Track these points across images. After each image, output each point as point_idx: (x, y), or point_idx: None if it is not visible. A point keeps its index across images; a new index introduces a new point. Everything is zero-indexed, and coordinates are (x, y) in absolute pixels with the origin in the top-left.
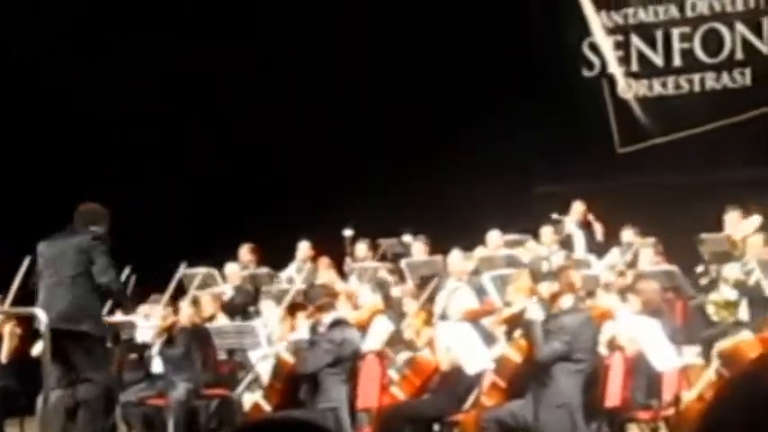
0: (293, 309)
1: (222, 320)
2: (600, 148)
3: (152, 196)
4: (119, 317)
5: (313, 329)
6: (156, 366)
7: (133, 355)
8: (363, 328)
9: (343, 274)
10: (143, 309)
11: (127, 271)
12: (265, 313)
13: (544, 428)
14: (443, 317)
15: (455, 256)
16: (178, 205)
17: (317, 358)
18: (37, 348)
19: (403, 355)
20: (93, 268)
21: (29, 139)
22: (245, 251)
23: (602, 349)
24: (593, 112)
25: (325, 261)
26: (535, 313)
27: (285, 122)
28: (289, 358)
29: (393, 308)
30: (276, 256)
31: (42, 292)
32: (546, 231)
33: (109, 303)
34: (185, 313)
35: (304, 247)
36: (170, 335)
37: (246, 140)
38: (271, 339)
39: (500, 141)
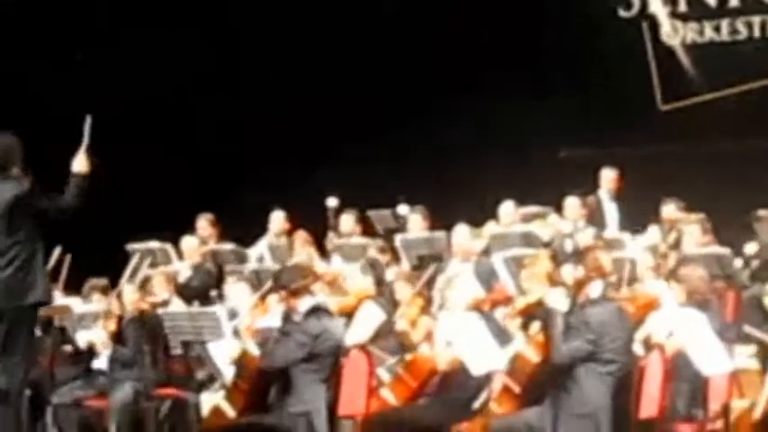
0: (266, 294)
1: (177, 306)
2: (637, 106)
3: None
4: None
5: (286, 318)
6: (99, 362)
7: (68, 347)
8: (349, 316)
9: (324, 252)
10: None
11: (57, 251)
12: (234, 299)
13: None
14: (444, 306)
15: (461, 232)
16: (125, 172)
17: (288, 352)
18: None
19: (395, 352)
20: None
21: None
22: (203, 223)
23: (638, 348)
24: (631, 61)
25: (302, 236)
26: (556, 303)
27: (259, 68)
28: (257, 353)
29: (385, 294)
30: (244, 231)
31: None
32: (571, 204)
33: None
34: (129, 299)
35: (278, 219)
36: (118, 332)
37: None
38: (238, 331)
39: (517, 96)
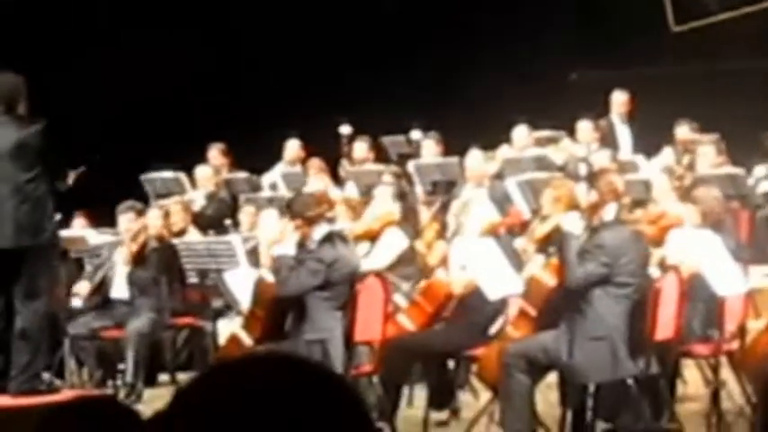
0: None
1: (193, 235)
2: (649, 26)
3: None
4: (66, 232)
5: (301, 245)
6: (117, 291)
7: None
8: (372, 239)
9: (337, 179)
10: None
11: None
12: (264, 226)
13: (579, 365)
14: (459, 231)
15: (474, 156)
16: (132, 98)
17: (301, 279)
18: None
19: (414, 279)
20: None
21: None
22: (214, 153)
23: (654, 270)
24: None
25: (315, 163)
26: (571, 227)
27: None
28: (272, 280)
29: (410, 223)
30: (257, 159)
31: None
32: (583, 127)
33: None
34: (154, 225)
35: (292, 147)
36: (139, 256)
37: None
38: (256, 255)
39: (526, 16)
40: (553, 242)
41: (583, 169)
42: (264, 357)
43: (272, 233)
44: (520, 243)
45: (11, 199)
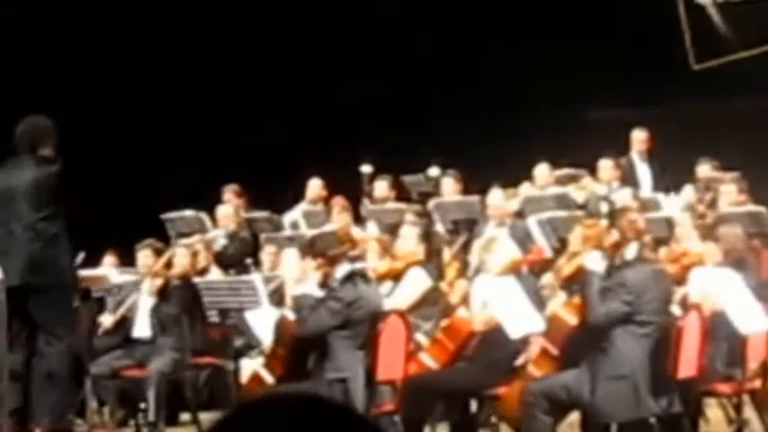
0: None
1: (215, 274)
2: (670, 65)
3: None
4: (89, 271)
5: (322, 285)
6: (138, 329)
7: (105, 317)
8: (396, 278)
9: (358, 218)
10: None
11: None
12: (285, 265)
13: (601, 404)
14: (481, 269)
15: (495, 194)
16: (152, 142)
17: (321, 319)
18: None
19: (433, 316)
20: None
21: None
22: (229, 195)
23: (676, 309)
24: (662, 19)
25: (339, 202)
26: (593, 264)
27: (287, 37)
28: (294, 319)
29: (435, 264)
30: (278, 199)
31: None
32: (604, 165)
33: (80, 256)
34: (181, 263)
35: (315, 186)
36: (164, 290)
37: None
38: (280, 294)
39: (547, 56)
40: (576, 280)
41: (604, 207)
42: (289, 398)
43: (293, 272)
44: (546, 279)
45: (24, 237)
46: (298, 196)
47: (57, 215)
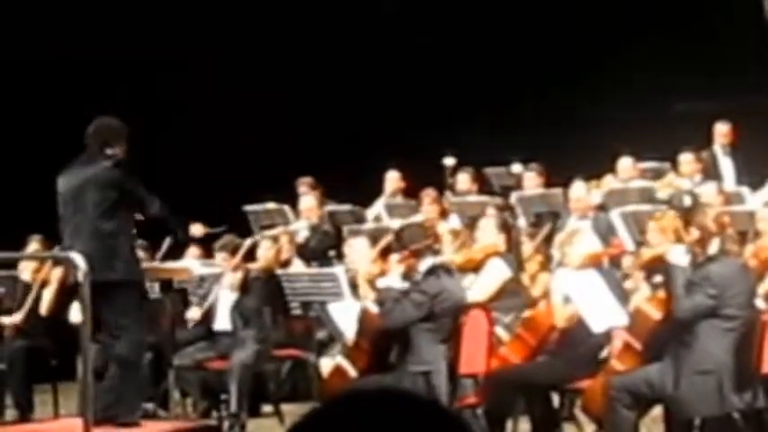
0: (387, 252)
1: (298, 266)
2: (753, 56)
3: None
4: (171, 263)
5: (406, 277)
6: (220, 322)
7: (193, 312)
8: (475, 270)
9: (441, 212)
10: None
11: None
12: (353, 254)
13: (685, 399)
14: (563, 262)
15: (578, 187)
16: (231, 134)
17: (405, 312)
18: (75, 311)
19: (517, 311)
20: (126, 201)
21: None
22: (303, 188)
23: (761, 303)
24: (747, 9)
25: (430, 194)
26: (678, 258)
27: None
28: (377, 312)
29: (515, 254)
30: (362, 192)
31: (65, 238)
32: (685, 159)
33: (164, 247)
34: (265, 256)
35: (392, 178)
36: (245, 284)
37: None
38: (355, 286)
39: (631, 49)
40: (658, 271)
41: (687, 201)
42: (375, 393)
43: (363, 261)
44: (626, 264)
45: (85, 233)
46: (378, 190)
47: (117, 213)
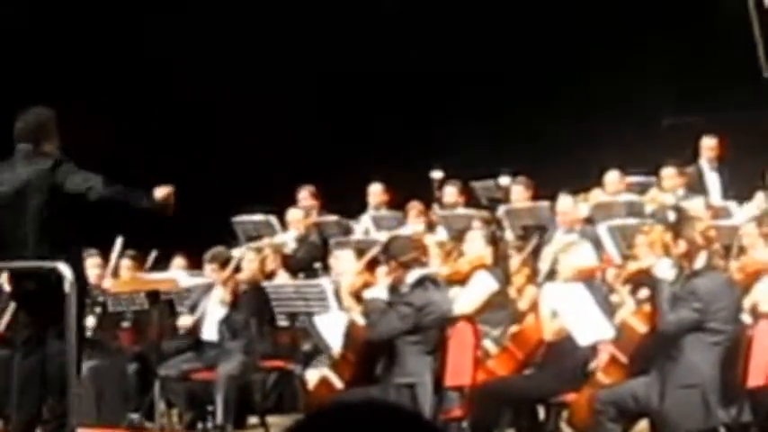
0: (373, 264)
1: (283, 278)
2: (742, 72)
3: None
4: (157, 274)
5: (392, 289)
6: (207, 333)
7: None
8: (462, 282)
9: (429, 224)
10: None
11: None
12: (339, 266)
13: (670, 413)
14: (550, 276)
15: (565, 200)
16: (222, 144)
17: (391, 324)
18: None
19: (503, 324)
20: (68, 189)
21: None
22: (305, 194)
23: (746, 317)
24: (734, 26)
25: (416, 206)
26: (663, 272)
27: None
28: (363, 324)
29: (501, 268)
30: (347, 203)
31: (7, 248)
32: (667, 173)
33: (150, 258)
34: (249, 267)
35: (375, 192)
36: (235, 299)
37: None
38: (340, 298)
39: (619, 63)
40: (644, 284)
41: (671, 216)
42: (359, 405)
43: (349, 274)
44: (609, 276)
45: (31, 236)
46: (364, 203)
47: (63, 216)
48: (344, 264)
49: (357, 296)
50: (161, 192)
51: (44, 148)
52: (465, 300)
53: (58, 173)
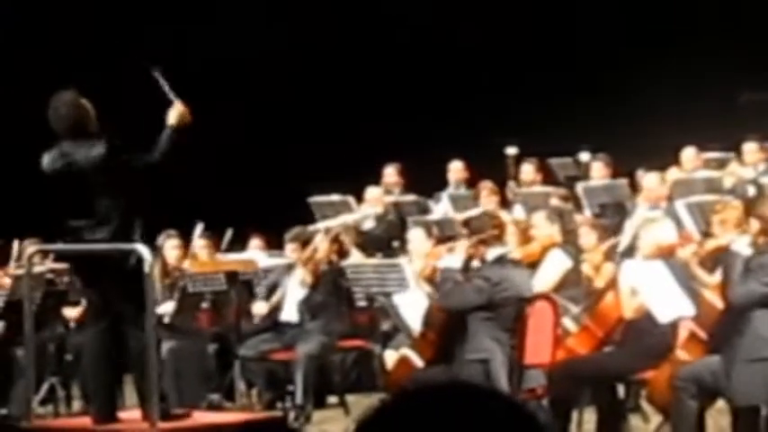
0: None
1: (356, 257)
2: None
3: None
4: (236, 255)
5: (467, 263)
6: (286, 314)
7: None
8: (534, 264)
9: (504, 202)
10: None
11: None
12: (411, 246)
13: (739, 387)
14: (629, 253)
15: (651, 177)
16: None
17: (465, 295)
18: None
19: (580, 300)
20: (135, 165)
21: None
22: (391, 171)
23: None
24: None
25: (487, 186)
26: (739, 247)
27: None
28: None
29: (571, 242)
30: (425, 182)
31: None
32: (749, 148)
33: (226, 238)
34: (323, 248)
35: (456, 168)
36: (316, 280)
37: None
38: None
39: (696, 39)
40: (720, 261)
41: (751, 191)
42: (444, 385)
43: (418, 255)
44: (688, 251)
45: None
46: (443, 181)
47: (123, 198)
48: (415, 243)
49: (429, 279)
50: (173, 113)
51: (89, 129)
52: (541, 279)
53: (115, 152)
